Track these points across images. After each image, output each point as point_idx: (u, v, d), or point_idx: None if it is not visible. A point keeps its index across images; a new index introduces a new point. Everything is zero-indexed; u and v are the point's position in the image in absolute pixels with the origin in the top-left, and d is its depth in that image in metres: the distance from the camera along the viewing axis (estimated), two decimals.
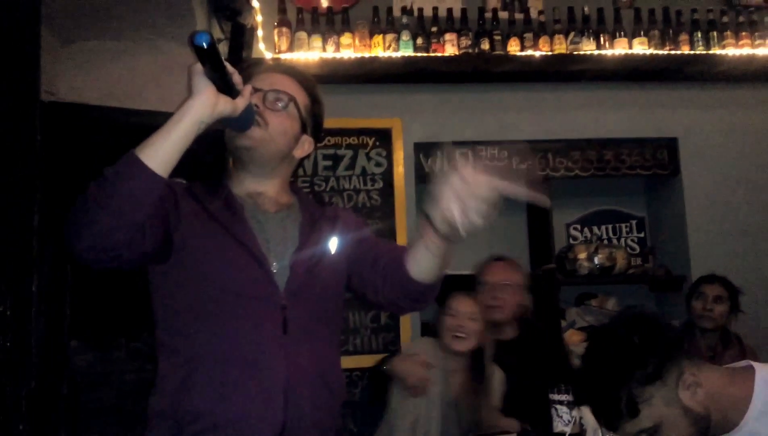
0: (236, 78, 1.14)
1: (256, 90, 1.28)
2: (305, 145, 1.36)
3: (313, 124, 1.37)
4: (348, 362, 2.71)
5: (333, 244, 1.34)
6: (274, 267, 1.25)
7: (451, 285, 2.34)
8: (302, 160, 1.39)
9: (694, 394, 1.22)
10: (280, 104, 1.30)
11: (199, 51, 1.06)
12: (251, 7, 2.92)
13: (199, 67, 1.09)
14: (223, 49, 2.97)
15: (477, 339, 2.24)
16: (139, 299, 1.32)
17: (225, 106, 1.12)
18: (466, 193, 1.04)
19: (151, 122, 1.11)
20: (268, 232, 1.28)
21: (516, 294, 2.46)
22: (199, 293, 1.21)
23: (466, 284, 2.48)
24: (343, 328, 2.60)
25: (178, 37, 2.49)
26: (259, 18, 3.00)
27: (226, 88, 1.12)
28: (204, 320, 1.21)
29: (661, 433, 1.22)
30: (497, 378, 2.30)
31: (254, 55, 2.97)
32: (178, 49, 2.46)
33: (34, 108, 1.60)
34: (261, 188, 1.33)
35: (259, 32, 3.02)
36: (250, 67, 1.38)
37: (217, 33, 2.96)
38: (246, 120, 1.21)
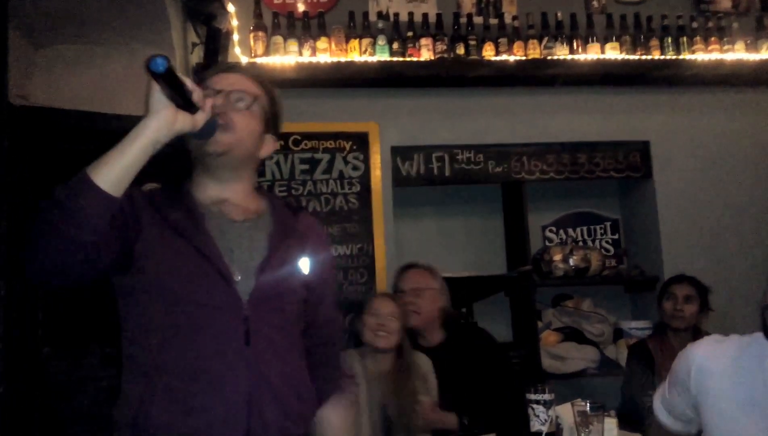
0: (196, 95, 1.13)
1: (217, 91, 1.27)
2: (268, 144, 1.35)
3: (273, 122, 1.36)
4: None
5: (303, 263, 1.33)
6: (237, 277, 1.23)
7: None
8: (264, 160, 1.39)
9: None
10: (243, 104, 1.29)
11: (154, 75, 1.05)
12: (226, 12, 2.92)
13: (156, 86, 1.08)
14: (198, 53, 2.96)
15: (398, 337, 2.27)
16: (111, 305, 1.31)
17: (184, 123, 1.11)
18: None
19: (125, 126, 1.10)
20: (232, 241, 1.26)
21: (433, 299, 2.48)
22: (160, 304, 1.20)
23: (451, 288, 2.57)
24: None
25: (153, 41, 2.49)
26: (234, 22, 2.99)
27: (185, 104, 1.11)
28: (165, 332, 1.19)
29: None
30: (427, 366, 2.32)
31: (230, 59, 2.97)
32: (153, 53, 2.45)
33: (2, 111, 1.58)
34: (226, 194, 1.30)
35: (235, 36, 3.01)
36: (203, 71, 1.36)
37: (193, 37, 2.95)
38: (208, 131, 1.20)
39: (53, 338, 2.28)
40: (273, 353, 1.24)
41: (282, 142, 2.97)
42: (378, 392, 2.25)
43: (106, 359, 2.27)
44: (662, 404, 1.66)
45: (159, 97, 1.08)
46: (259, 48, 3.04)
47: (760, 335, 1.46)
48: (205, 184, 1.30)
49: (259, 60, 3.00)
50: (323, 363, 1.40)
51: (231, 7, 2.93)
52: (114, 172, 1.06)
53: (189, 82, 1.12)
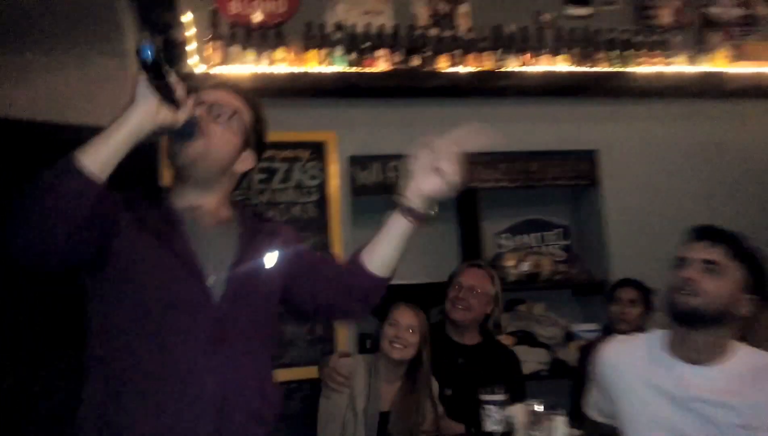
0: (180, 91, 1.18)
1: (200, 103, 1.31)
2: (247, 161, 1.39)
3: (255, 140, 1.39)
4: (284, 374, 2.74)
5: (270, 258, 1.37)
6: (210, 280, 1.26)
7: (392, 296, 2.43)
8: (244, 175, 1.42)
9: None
10: (223, 117, 1.33)
11: (143, 63, 1.10)
12: (182, 22, 2.92)
13: (143, 76, 1.12)
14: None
15: (414, 350, 2.31)
16: (67, 315, 1.32)
17: (166, 116, 1.16)
18: (437, 160, 1.22)
19: (80, 137, 1.13)
20: (205, 245, 1.29)
21: (485, 303, 2.59)
22: (133, 304, 1.22)
23: (407, 295, 2.58)
24: (279, 340, 2.64)
25: (107, 51, 2.48)
26: (190, 32, 2.99)
27: (169, 99, 1.16)
28: (136, 332, 1.22)
29: None
30: (436, 390, 2.39)
31: (186, 69, 2.96)
32: (107, 62, 2.44)
33: None
34: (201, 201, 1.34)
35: (191, 46, 3.02)
36: (187, 79, 1.40)
37: None
38: (188, 132, 1.24)
39: (4, 350, 2.24)
40: (242, 354, 1.27)
41: None
42: (379, 400, 2.28)
43: (62, 372, 2.24)
44: (592, 403, 1.81)
45: (144, 87, 1.13)
46: (216, 58, 3.04)
47: (659, 330, 1.64)
48: (181, 191, 1.35)
49: (215, 70, 3.01)
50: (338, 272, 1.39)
51: (187, 17, 2.93)
52: (99, 156, 1.10)
53: (173, 78, 1.16)
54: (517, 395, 2.28)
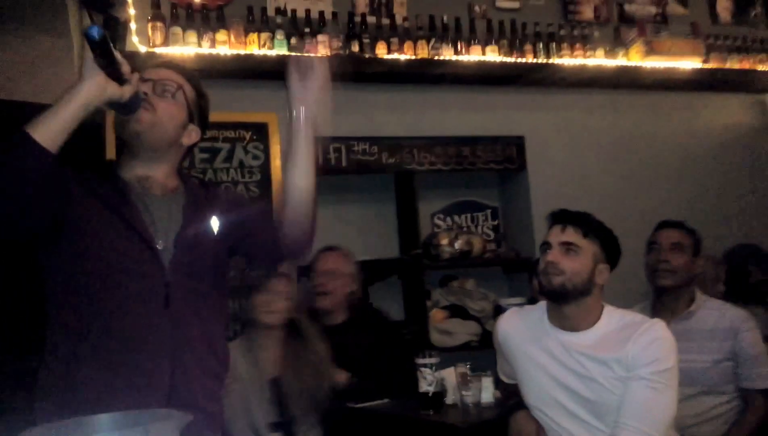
0: (125, 68, 1.26)
1: (145, 80, 1.39)
2: (192, 134, 1.47)
3: (199, 115, 1.48)
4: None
5: (215, 222, 1.45)
6: (160, 245, 1.35)
7: None
8: (191, 148, 1.50)
9: None
10: (168, 93, 1.41)
11: (90, 42, 1.18)
12: (124, 1, 2.93)
13: (90, 54, 1.20)
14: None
15: (286, 315, 2.32)
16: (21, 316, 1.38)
17: (113, 91, 1.24)
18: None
19: (24, 114, 1.20)
20: (154, 214, 1.37)
21: (344, 284, 2.65)
22: (87, 270, 1.30)
23: None
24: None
25: (50, 29, 2.48)
26: (132, 11, 3.01)
27: (115, 75, 1.24)
28: (92, 297, 1.29)
29: None
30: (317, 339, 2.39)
31: (128, 48, 2.97)
32: (51, 41, 2.45)
33: None
34: (149, 173, 1.41)
35: (132, 26, 3.03)
36: (126, 61, 1.47)
37: (89, 23, 2.94)
38: (133, 106, 1.32)
39: None
40: (192, 314, 1.36)
41: None
42: (267, 369, 2.29)
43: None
44: (500, 368, 2.05)
45: (92, 64, 1.21)
46: (158, 38, 3.06)
47: (543, 302, 1.86)
48: (131, 163, 1.42)
49: (157, 50, 3.03)
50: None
51: None
52: (49, 129, 1.17)
53: (119, 56, 1.24)
54: (399, 359, 2.44)
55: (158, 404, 1.27)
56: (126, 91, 1.27)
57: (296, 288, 2.44)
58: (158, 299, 1.32)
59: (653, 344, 1.67)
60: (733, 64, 3.96)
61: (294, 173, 1.39)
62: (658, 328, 1.71)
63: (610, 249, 1.81)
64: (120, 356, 1.28)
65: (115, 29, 2.84)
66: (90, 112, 1.23)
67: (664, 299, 2.32)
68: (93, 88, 1.21)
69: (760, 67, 4.00)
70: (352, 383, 2.44)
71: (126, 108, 1.32)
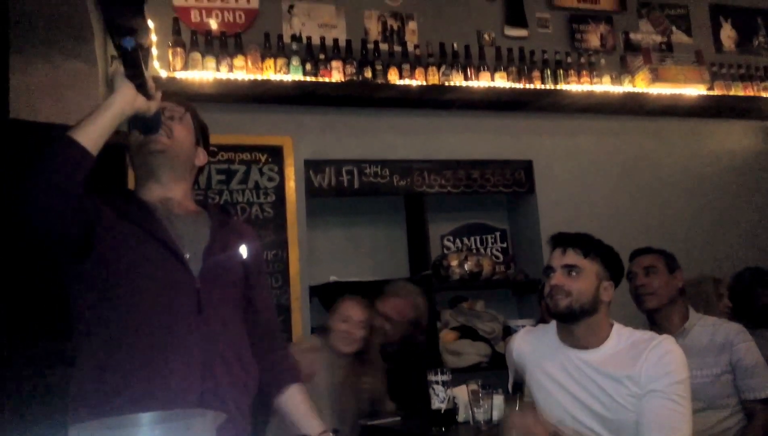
0: (151, 83, 1.35)
1: None
2: (200, 156, 1.56)
3: (202, 137, 1.58)
4: None
5: (242, 248, 1.52)
6: (188, 257, 1.40)
7: (345, 292, 2.62)
8: (200, 169, 1.59)
9: None
10: (177, 116, 1.50)
11: (123, 52, 1.29)
12: (146, 27, 3.04)
13: (120, 69, 1.30)
14: (117, 67, 3.06)
15: (361, 344, 2.46)
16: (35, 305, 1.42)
17: (142, 103, 1.33)
18: None
19: (47, 135, 1.28)
20: (180, 229, 1.44)
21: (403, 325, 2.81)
22: (119, 283, 1.35)
23: (352, 291, 2.76)
24: None
25: (76, 54, 2.57)
26: (153, 38, 3.11)
27: (142, 89, 1.33)
28: (124, 307, 1.34)
29: None
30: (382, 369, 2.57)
31: (149, 73, 3.07)
32: (77, 65, 2.54)
33: None
34: (169, 194, 1.48)
35: (154, 51, 3.14)
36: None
37: (112, 51, 3.04)
38: (155, 123, 1.41)
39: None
40: (221, 324, 1.41)
41: None
42: (336, 380, 2.40)
43: (34, 358, 2.29)
44: (512, 385, 2.05)
45: (122, 78, 1.31)
46: (178, 63, 3.17)
47: (554, 323, 1.90)
48: (149, 186, 1.48)
49: (177, 74, 3.14)
50: (271, 350, 1.57)
51: (150, 23, 3.05)
52: (90, 133, 1.26)
53: (146, 72, 1.34)
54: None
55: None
56: (152, 106, 1.36)
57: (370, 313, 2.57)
58: (191, 306, 1.37)
59: (664, 358, 1.70)
60: (737, 91, 4.04)
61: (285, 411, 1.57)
62: (668, 343, 1.74)
63: (612, 266, 1.84)
64: (152, 367, 1.32)
65: (138, 55, 2.94)
66: (123, 120, 1.32)
67: (656, 320, 2.38)
68: (127, 97, 1.31)
69: (764, 94, 4.08)
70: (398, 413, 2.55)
71: (148, 126, 1.40)
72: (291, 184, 3.30)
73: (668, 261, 2.43)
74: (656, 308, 2.37)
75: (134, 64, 1.30)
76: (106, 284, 1.36)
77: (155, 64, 3.13)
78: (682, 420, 1.66)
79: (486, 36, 3.82)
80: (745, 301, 3.08)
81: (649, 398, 1.68)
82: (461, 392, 2.37)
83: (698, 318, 2.36)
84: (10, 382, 2.22)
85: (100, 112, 1.28)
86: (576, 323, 1.79)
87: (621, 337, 1.81)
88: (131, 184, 2.06)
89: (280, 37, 3.40)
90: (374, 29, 3.65)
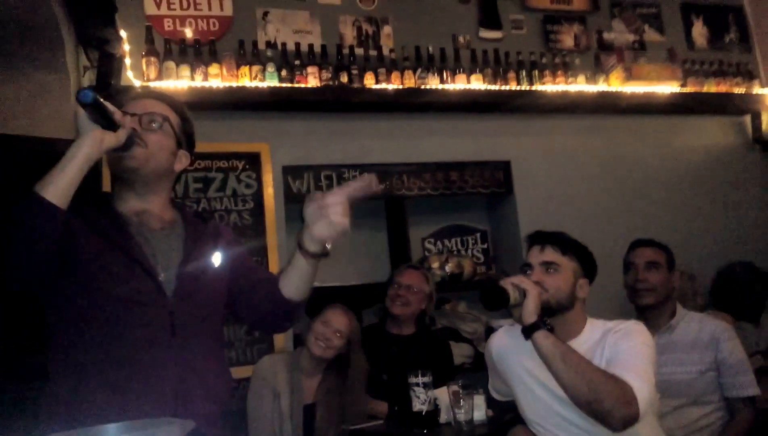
0: (117, 115, 1.33)
1: (132, 115, 1.44)
2: (182, 159, 1.53)
3: (186, 139, 1.54)
4: None
5: (216, 258, 1.51)
6: (161, 277, 1.39)
7: (327, 297, 2.63)
8: (180, 174, 1.56)
9: None
10: (155, 125, 1.46)
11: (83, 105, 1.27)
12: (119, 37, 3.02)
13: (83, 112, 1.28)
14: (90, 77, 3.04)
15: (335, 352, 2.47)
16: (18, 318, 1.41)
17: (110, 140, 1.32)
18: (325, 209, 1.36)
19: (22, 147, 1.27)
20: (154, 246, 1.42)
21: (420, 300, 2.93)
22: (91, 303, 1.33)
23: (334, 296, 2.77)
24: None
25: (48, 65, 2.56)
26: (126, 47, 3.10)
27: (108, 125, 1.32)
28: (96, 328, 1.33)
29: None
30: (362, 370, 2.56)
31: (123, 82, 3.06)
32: (49, 76, 2.52)
33: None
34: (145, 206, 1.46)
35: (127, 61, 3.12)
36: (119, 94, 1.55)
37: (84, 61, 3.02)
38: (128, 144, 1.39)
39: None
40: (198, 344, 1.40)
41: None
42: (302, 393, 2.41)
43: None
44: (491, 385, 2.11)
45: (86, 121, 1.29)
46: (152, 72, 3.15)
47: None
48: (126, 197, 1.47)
49: (152, 84, 3.12)
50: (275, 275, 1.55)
51: (123, 33, 3.03)
52: (58, 187, 1.24)
53: (110, 106, 1.31)
54: (445, 378, 2.53)
55: None
56: (121, 135, 1.34)
57: (354, 326, 2.58)
58: (164, 327, 1.36)
59: (629, 330, 1.78)
60: (710, 87, 4.10)
61: (293, 283, 1.48)
62: (635, 324, 1.82)
63: (588, 264, 1.89)
64: (126, 386, 1.31)
65: (111, 64, 2.92)
66: (93, 163, 1.31)
67: (647, 316, 2.39)
68: (92, 143, 1.29)
69: (736, 90, 4.15)
70: (392, 413, 2.56)
71: (122, 148, 1.38)
72: (269, 191, 3.29)
73: (669, 258, 2.43)
74: (652, 304, 2.37)
75: (96, 111, 1.29)
76: (76, 302, 1.35)
77: (129, 74, 3.10)
78: (647, 362, 1.69)
79: (461, 38, 3.84)
80: (733, 294, 3.10)
81: (614, 349, 1.74)
82: (442, 394, 2.39)
83: (684, 314, 2.38)
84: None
85: (68, 162, 1.26)
86: (553, 317, 1.82)
87: (594, 329, 1.85)
88: (106, 183, 2.05)
89: (255, 43, 3.40)
90: (349, 34, 3.66)
